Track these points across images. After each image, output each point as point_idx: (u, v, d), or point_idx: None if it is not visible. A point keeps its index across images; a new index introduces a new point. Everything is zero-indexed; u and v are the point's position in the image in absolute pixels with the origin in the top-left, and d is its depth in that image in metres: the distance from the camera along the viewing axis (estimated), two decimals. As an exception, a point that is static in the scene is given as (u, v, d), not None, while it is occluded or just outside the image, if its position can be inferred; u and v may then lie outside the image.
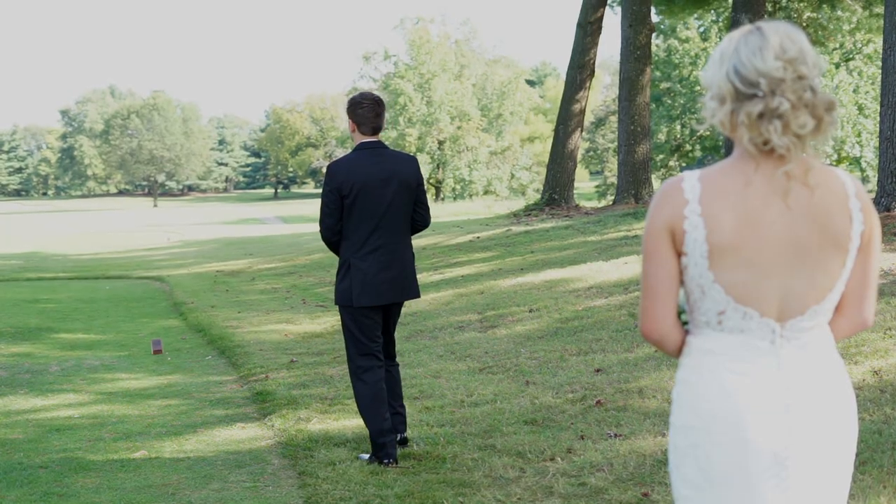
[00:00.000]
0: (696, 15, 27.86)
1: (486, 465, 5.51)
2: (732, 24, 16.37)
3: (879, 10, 19.14)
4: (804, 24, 21.73)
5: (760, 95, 2.22)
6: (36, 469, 5.99)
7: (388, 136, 57.72)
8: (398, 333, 10.32)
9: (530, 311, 10.31)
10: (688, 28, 44.78)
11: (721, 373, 2.33)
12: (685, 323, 2.44)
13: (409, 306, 12.13)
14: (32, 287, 18.86)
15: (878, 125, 35.56)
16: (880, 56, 34.31)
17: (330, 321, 11.69)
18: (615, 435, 5.79)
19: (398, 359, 6.27)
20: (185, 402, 7.93)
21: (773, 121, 2.21)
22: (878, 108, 35.48)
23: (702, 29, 45.21)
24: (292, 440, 6.27)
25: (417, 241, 19.30)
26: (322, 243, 5.79)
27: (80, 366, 9.89)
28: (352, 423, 6.58)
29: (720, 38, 40.70)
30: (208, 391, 8.35)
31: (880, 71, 35.47)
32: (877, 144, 37.07)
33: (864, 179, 41.06)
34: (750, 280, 2.28)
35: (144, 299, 16.22)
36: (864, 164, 39.30)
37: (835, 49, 33.93)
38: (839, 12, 20.96)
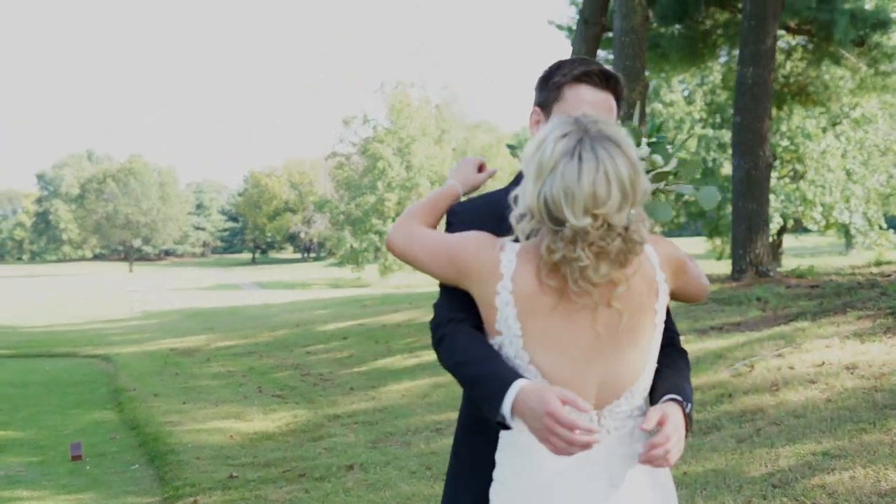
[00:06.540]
0: (689, 72, 26.73)
1: None
2: (738, 79, 15.01)
3: (886, 67, 17.94)
4: (806, 83, 20.46)
5: (563, 236, 2.01)
6: None
7: (366, 200, 56.31)
8: (364, 437, 8.68)
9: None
10: (672, 91, 43.94)
11: (536, 472, 2.13)
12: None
13: (379, 400, 10.51)
14: (-33, 367, 17.08)
15: (867, 191, 34.78)
16: (868, 121, 33.54)
17: (285, 417, 10.01)
18: None
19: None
20: (85, 541, 6.23)
21: (572, 264, 2.03)
22: (866, 173, 34.70)
23: (686, 92, 44.36)
24: None
25: (392, 317, 17.67)
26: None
27: (-21, 478, 8.18)
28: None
29: (705, 102, 39.83)
30: (120, 522, 6.65)
31: (867, 136, 34.52)
32: (865, 210, 36.29)
33: (851, 245, 39.90)
34: (565, 364, 2.11)
35: (83, 384, 14.47)
36: (853, 231, 38.09)
37: (821, 113, 33.02)
38: (842, 71, 19.70)
